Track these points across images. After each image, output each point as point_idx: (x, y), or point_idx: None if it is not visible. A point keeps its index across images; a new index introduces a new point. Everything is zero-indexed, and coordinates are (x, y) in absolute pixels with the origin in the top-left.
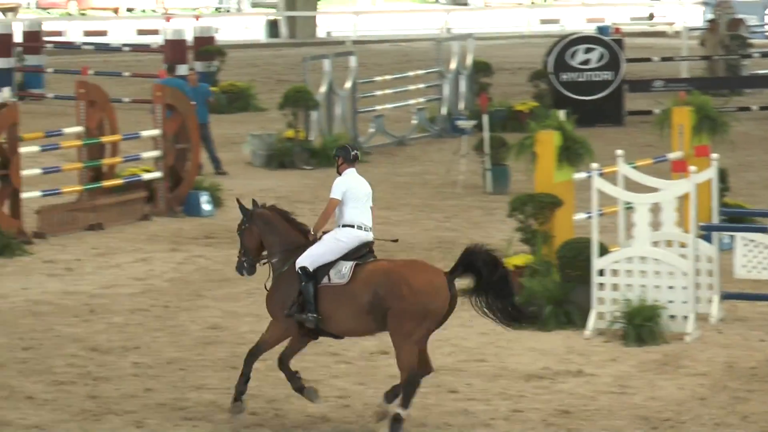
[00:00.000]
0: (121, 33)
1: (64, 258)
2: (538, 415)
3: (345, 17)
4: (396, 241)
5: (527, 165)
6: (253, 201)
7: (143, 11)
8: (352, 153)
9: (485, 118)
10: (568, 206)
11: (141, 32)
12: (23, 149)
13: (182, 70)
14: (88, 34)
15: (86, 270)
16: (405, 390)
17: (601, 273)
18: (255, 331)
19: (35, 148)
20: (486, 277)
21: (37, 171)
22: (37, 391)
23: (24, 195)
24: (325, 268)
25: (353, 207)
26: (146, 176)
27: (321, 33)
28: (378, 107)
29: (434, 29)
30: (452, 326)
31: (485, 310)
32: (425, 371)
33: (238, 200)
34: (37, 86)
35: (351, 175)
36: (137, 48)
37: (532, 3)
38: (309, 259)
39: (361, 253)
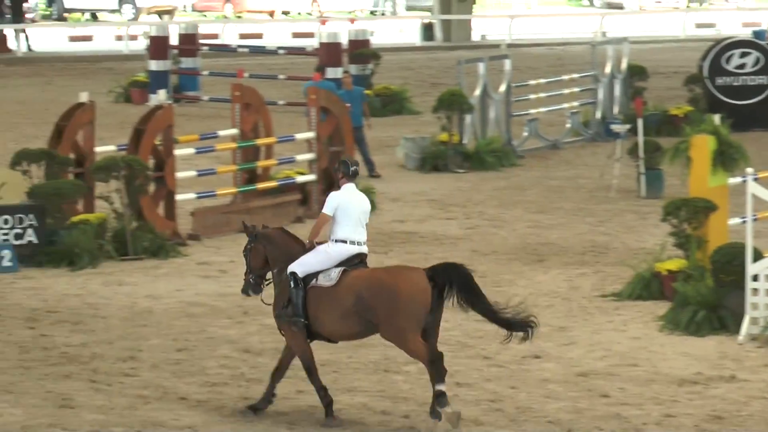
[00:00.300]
0: (276, 36)
1: (218, 260)
2: (691, 420)
3: (500, 20)
4: None
5: (682, 169)
6: (243, 224)
7: (299, 14)
8: (352, 168)
9: (640, 122)
10: (722, 211)
11: (296, 35)
12: (178, 151)
13: (337, 73)
14: (243, 36)
15: (239, 272)
16: (434, 371)
17: (755, 278)
18: None
19: (190, 151)
20: (459, 289)
21: (192, 173)
22: (190, 392)
23: (179, 197)
24: (314, 274)
25: (345, 223)
26: (300, 179)
27: (475, 36)
28: (532, 111)
29: (589, 33)
30: (605, 330)
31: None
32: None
33: (243, 222)
34: (193, 89)
35: (348, 190)
36: (292, 51)
37: (688, 7)
38: (300, 266)
39: (352, 263)
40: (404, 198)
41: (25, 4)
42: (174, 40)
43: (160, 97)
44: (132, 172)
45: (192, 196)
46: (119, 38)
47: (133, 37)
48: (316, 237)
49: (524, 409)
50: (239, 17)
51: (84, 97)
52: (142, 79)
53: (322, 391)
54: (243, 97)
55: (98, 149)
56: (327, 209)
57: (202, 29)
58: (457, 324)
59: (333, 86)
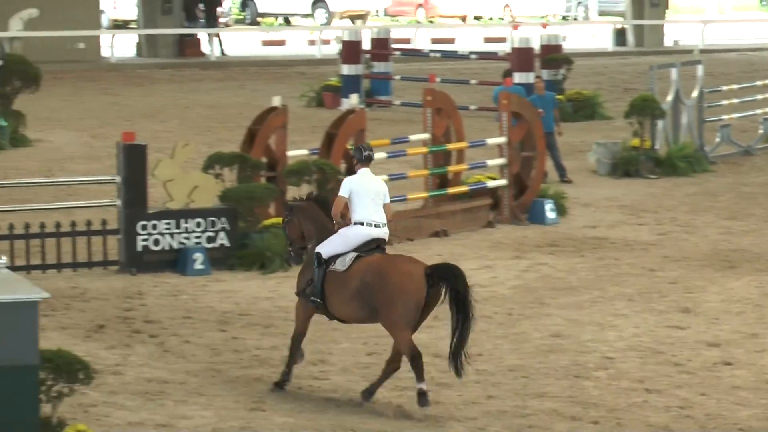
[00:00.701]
0: (468, 40)
1: None
2: None
3: (692, 26)
4: None
5: None
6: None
7: (490, 19)
8: (365, 153)
9: None
10: None
11: (488, 40)
12: None
13: (529, 78)
14: (435, 41)
15: None
16: (415, 368)
17: None
18: (597, 339)
19: (382, 155)
20: (454, 302)
21: (384, 177)
22: (379, 396)
23: None
24: (336, 257)
25: (361, 205)
26: (491, 184)
27: (668, 41)
28: (724, 117)
29: None
30: None
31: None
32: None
33: (285, 200)
34: (385, 93)
35: (361, 174)
36: (484, 56)
37: None
38: (324, 248)
39: (369, 248)
40: (595, 203)
41: (218, 9)
42: (366, 45)
43: (352, 101)
44: (324, 175)
45: None
46: (312, 42)
47: (326, 42)
48: (337, 217)
49: (714, 416)
50: (431, 22)
51: (276, 101)
52: (335, 84)
53: (288, 368)
54: (435, 101)
55: (290, 153)
56: (342, 192)
57: (395, 34)
58: (647, 330)
59: (522, 91)
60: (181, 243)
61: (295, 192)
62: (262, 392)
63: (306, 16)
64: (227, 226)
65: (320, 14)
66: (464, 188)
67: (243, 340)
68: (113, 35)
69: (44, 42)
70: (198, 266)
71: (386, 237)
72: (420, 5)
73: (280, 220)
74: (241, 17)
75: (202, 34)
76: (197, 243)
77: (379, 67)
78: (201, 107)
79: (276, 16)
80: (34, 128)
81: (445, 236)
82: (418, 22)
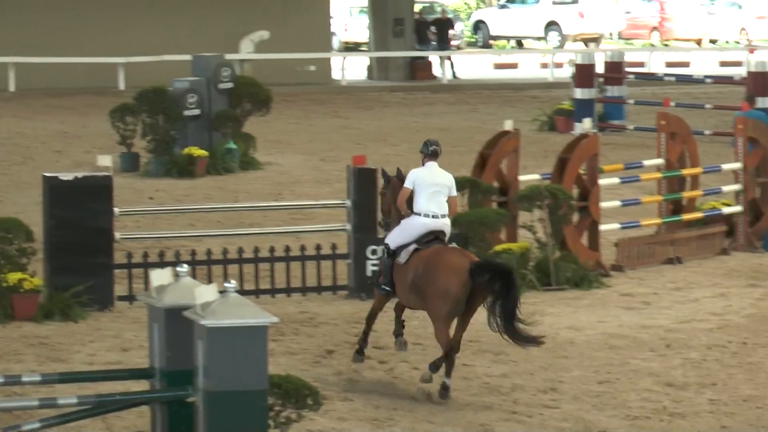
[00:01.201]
0: (703, 64)
1: (641, 291)
2: None
3: None
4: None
5: None
6: (384, 173)
7: (726, 42)
8: (431, 148)
9: None
10: None
11: (723, 64)
12: (603, 181)
13: (765, 102)
14: (669, 65)
15: (663, 304)
16: (446, 363)
17: None
18: None
19: (615, 180)
20: (498, 293)
21: (616, 203)
22: (611, 425)
23: (602, 227)
24: (401, 248)
25: (421, 196)
26: (726, 210)
27: None
28: None
29: None
30: None
31: (491, 322)
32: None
33: (382, 169)
34: (618, 117)
35: (427, 167)
36: (719, 80)
37: None
38: (389, 238)
39: (428, 239)
40: None
41: (450, 31)
42: (600, 68)
43: (585, 125)
44: (556, 201)
45: (616, 226)
46: (544, 65)
47: (559, 65)
48: (403, 207)
49: None
50: (666, 45)
51: (508, 125)
52: (567, 108)
53: (365, 335)
54: (669, 126)
55: (522, 178)
56: (407, 183)
57: (628, 57)
58: None
59: (762, 116)
60: None
61: (526, 218)
62: (492, 420)
63: (539, 38)
64: None
65: (553, 37)
66: (699, 214)
67: (472, 367)
68: (344, 57)
69: (275, 64)
70: None
71: (446, 228)
72: (655, 28)
73: (512, 245)
74: (473, 40)
75: (434, 57)
76: None
77: (612, 90)
78: (432, 131)
79: (508, 38)
80: (263, 151)
81: (679, 263)
82: (653, 45)
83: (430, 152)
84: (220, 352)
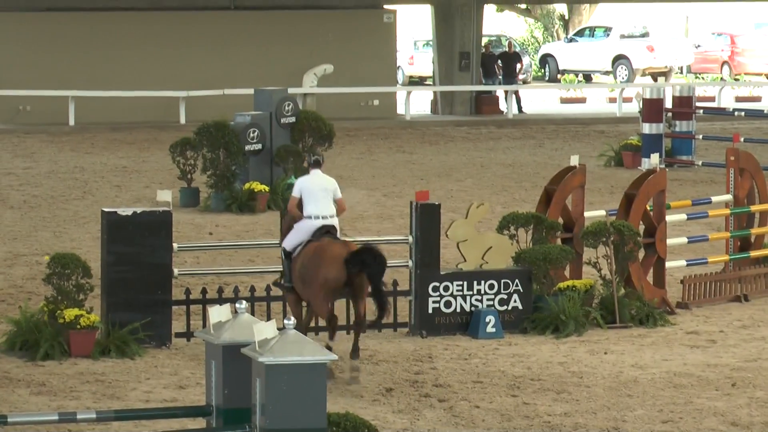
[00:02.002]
0: None
1: (707, 329)
2: None
3: None
4: None
5: None
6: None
7: None
8: (313, 159)
9: None
10: None
11: None
12: (670, 217)
13: None
14: (740, 99)
15: (729, 342)
16: (330, 327)
17: None
18: None
19: (682, 217)
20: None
21: (683, 240)
22: None
23: (669, 264)
24: (297, 247)
25: (309, 202)
26: None
27: None
28: None
29: None
30: None
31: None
32: (358, 322)
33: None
34: (687, 153)
35: (311, 174)
36: None
37: None
38: (285, 242)
39: (319, 234)
40: None
41: (518, 66)
42: (668, 103)
43: (653, 161)
44: (622, 237)
45: (682, 263)
46: (612, 100)
47: (627, 99)
48: (297, 214)
49: None
50: (736, 79)
51: (574, 160)
52: (635, 143)
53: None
54: (738, 161)
55: (588, 214)
56: (294, 192)
57: (698, 91)
58: None
59: None
60: (473, 305)
61: (591, 254)
62: None
63: (607, 72)
64: (521, 288)
65: (621, 71)
66: (767, 251)
67: (534, 406)
68: (408, 92)
69: (338, 98)
70: (490, 329)
71: (335, 225)
72: (725, 62)
73: (576, 282)
74: (540, 74)
75: (500, 91)
76: (490, 305)
77: (681, 125)
78: (497, 166)
79: (576, 72)
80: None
81: (746, 301)
82: (723, 80)
83: (313, 162)
84: (278, 390)
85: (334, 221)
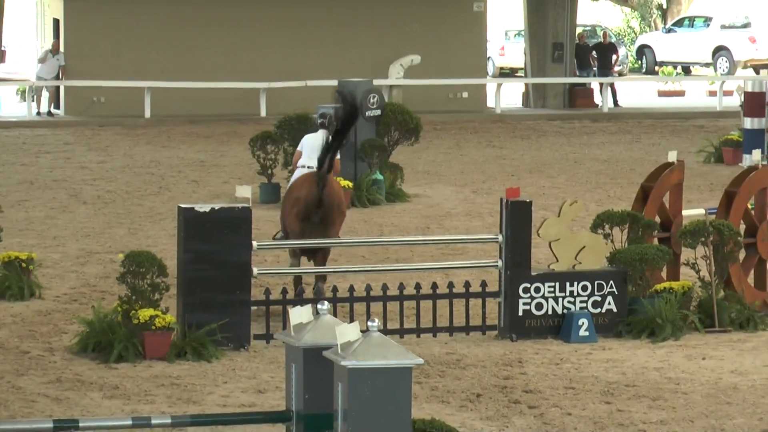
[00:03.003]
0: None
1: None
2: None
3: None
4: None
5: None
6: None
7: None
8: (319, 121)
9: None
10: None
11: None
12: None
13: None
14: None
15: None
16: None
17: None
18: None
19: None
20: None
21: None
22: None
23: None
24: None
25: (305, 154)
26: None
27: None
28: None
29: None
30: None
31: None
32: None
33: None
34: None
35: (317, 133)
36: None
37: None
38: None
39: None
40: None
41: (614, 57)
42: None
43: (755, 157)
44: (721, 237)
45: None
46: (712, 93)
47: (728, 93)
48: (296, 166)
49: None
50: None
51: (672, 156)
52: (736, 138)
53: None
54: None
55: (686, 213)
56: (298, 147)
57: None
58: None
59: None
60: (565, 308)
61: (689, 255)
62: None
63: (707, 64)
64: (615, 290)
65: (722, 63)
66: None
67: (629, 413)
68: (499, 84)
69: (425, 90)
70: (583, 333)
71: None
72: None
73: (674, 284)
74: (637, 66)
75: (595, 84)
76: (583, 308)
77: None
78: (591, 162)
79: (675, 65)
80: (411, 182)
81: None
82: None
83: (319, 124)
84: (361, 395)
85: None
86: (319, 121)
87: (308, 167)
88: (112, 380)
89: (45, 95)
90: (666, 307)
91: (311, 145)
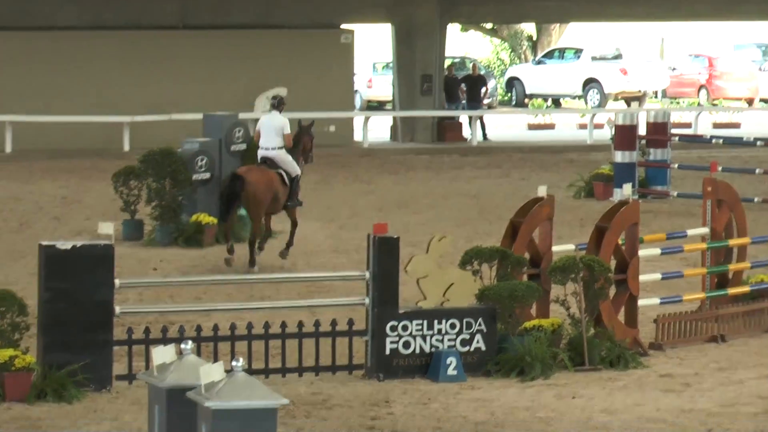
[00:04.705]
0: (754, 125)
1: (682, 372)
2: None
3: None
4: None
5: None
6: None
7: None
8: (270, 102)
9: None
10: None
11: None
12: (643, 252)
13: None
14: (718, 126)
15: (705, 386)
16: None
17: None
18: None
19: (656, 251)
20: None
21: (657, 276)
22: None
23: (641, 302)
24: None
25: (261, 135)
26: None
27: None
28: None
29: None
30: None
31: None
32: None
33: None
34: (661, 183)
35: (269, 114)
36: None
37: None
38: None
39: (263, 163)
40: None
41: (483, 89)
42: (642, 129)
43: (625, 191)
44: (592, 274)
45: (656, 301)
46: (583, 126)
47: (598, 126)
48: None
49: None
50: (714, 104)
51: (542, 191)
52: (606, 172)
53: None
54: (716, 192)
55: (556, 248)
56: (257, 127)
57: (674, 117)
58: None
59: None
60: (433, 346)
61: (560, 292)
62: None
63: (577, 97)
64: (484, 327)
65: (593, 95)
66: (746, 289)
67: None
68: (367, 117)
69: (292, 124)
70: (451, 372)
71: (275, 156)
72: (702, 86)
73: (543, 321)
74: (507, 98)
75: (464, 117)
76: (451, 346)
77: (655, 154)
78: (460, 197)
79: (545, 97)
80: (277, 219)
81: (723, 342)
82: (700, 105)
83: (270, 106)
84: None
85: (274, 153)
86: (271, 102)
87: (262, 148)
88: None
89: None
90: (536, 345)
91: (263, 126)
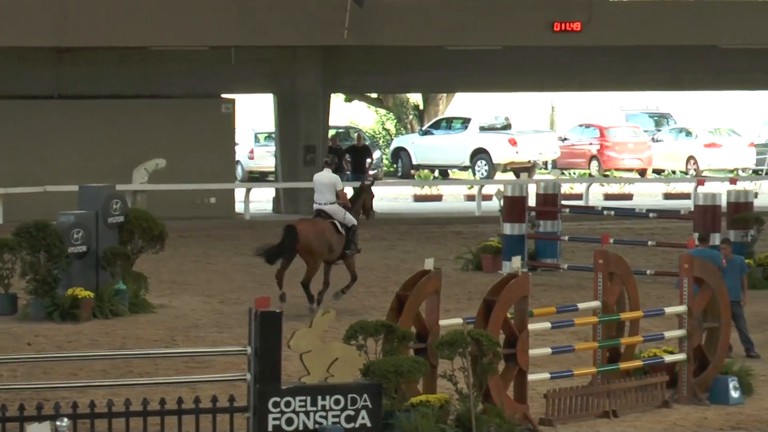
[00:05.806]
0: (646, 197)
1: None
2: None
3: None
4: None
5: None
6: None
7: (673, 173)
8: (324, 160)
9: None
10: None
11: (668, 196)
12: (532, 326)
13: (715, 240)
14: (609, 197)
15: None
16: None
17: None
18: None
19: (546, 325)
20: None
21: (547, 350)
22: None
23: (531, 377)
24: None
25: (316, 191)
26: (669, 358)
27: None
28: None
29: None
30: None
31: None
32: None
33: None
34: (551, 255)
35: (322, 172)
36: (664, 214)
37: None
38: None
39: (317, 214)
40: None
41: (368, 160)
42: (532, 201)
43: (515, 264)
44: (480, 348)
45: (546, 376)
46: (470, 198)
47: (487, 197)
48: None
49: None
50: (606, 175)
51: (429, 264)
52: (495, 244)
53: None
54: (607, 265)
55: (443, 322)
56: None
57: (564, 188)
58: None
59: (716, 255)
60: (317, 422)
61: (447, 367)
62: None
63: (465, 168)
64: (370, 403)
65: (481, 166)
66: (638, 363)
67: None
68: (248, 189)
69: (171, 196)
70: None
71: (329, 209)
72: (594, 156)
73: (430, 397)
74: (393, 169)
75: (348, 189)
76: (335, 422)
77: (545, 226)
78: (343, 270)
79: (432, 168)
80: (156, 292)
81: (615, 417)
82: (591, 176)
83: (323, 164)
84: None
85: (328, 207)
86: (324, 161)
87: (318, 203)
88: None
89: None
90: (423, 422)
91: (317, 183)
